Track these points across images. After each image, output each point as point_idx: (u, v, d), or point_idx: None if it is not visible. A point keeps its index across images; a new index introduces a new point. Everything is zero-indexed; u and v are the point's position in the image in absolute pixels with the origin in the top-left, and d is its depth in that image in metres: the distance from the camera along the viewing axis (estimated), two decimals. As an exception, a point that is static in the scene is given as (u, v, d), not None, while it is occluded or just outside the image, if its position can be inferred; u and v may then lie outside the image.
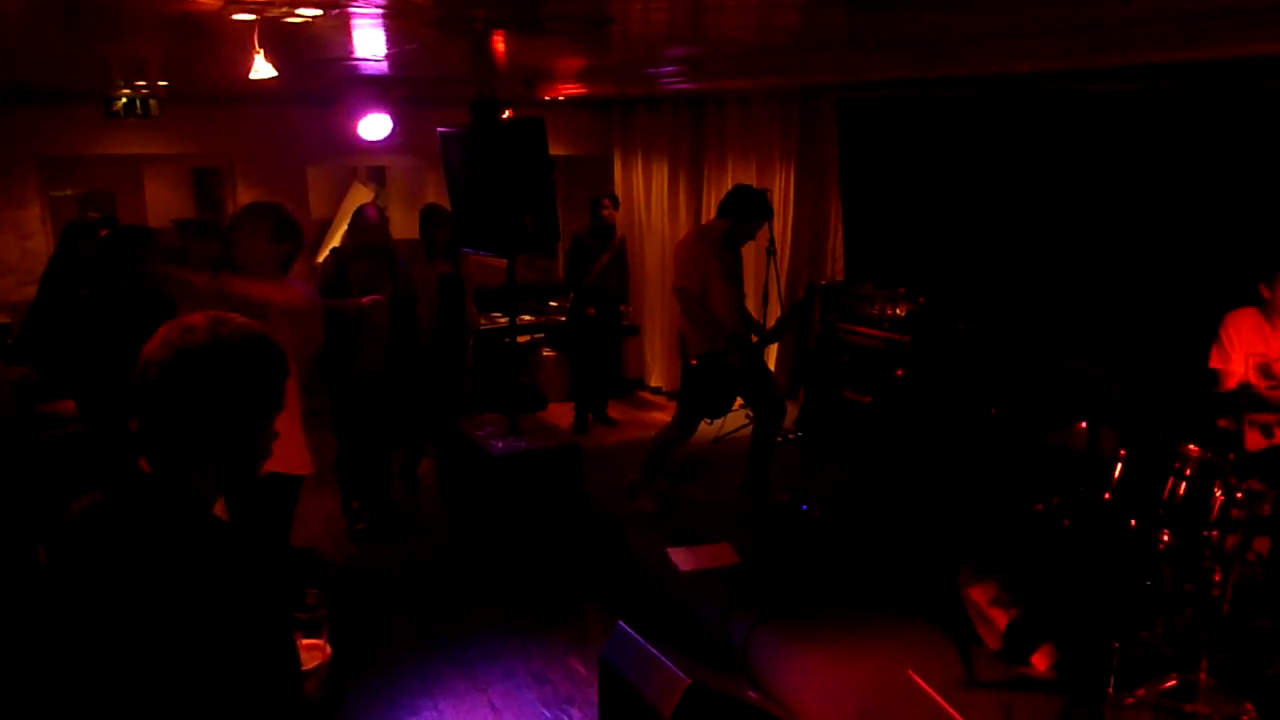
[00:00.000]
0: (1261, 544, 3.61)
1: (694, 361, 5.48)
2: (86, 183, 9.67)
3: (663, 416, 7.36)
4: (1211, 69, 4.44)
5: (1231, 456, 3.48)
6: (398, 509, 6.04)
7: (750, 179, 7.23)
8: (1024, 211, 5.69)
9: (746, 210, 5.44)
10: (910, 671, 3.78)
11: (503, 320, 7.71)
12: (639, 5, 3.82)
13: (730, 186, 5.87)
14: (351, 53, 4.88)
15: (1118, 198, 5.22)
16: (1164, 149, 4.99)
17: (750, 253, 6.23)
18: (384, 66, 5.61)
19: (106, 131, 7.37)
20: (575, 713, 4.00)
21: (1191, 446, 3.61)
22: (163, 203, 10.79)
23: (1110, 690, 3.44)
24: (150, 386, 1.58)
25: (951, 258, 6.17)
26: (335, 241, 8.06)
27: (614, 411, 7.98)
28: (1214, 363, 4.41)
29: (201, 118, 7.65)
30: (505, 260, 5.35)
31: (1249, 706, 3.34)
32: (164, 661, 1.51)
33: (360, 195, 10.39)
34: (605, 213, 7.34)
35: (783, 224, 7.27)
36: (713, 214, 5.79)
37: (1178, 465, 3.63)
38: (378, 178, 11.29)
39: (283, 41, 4.05)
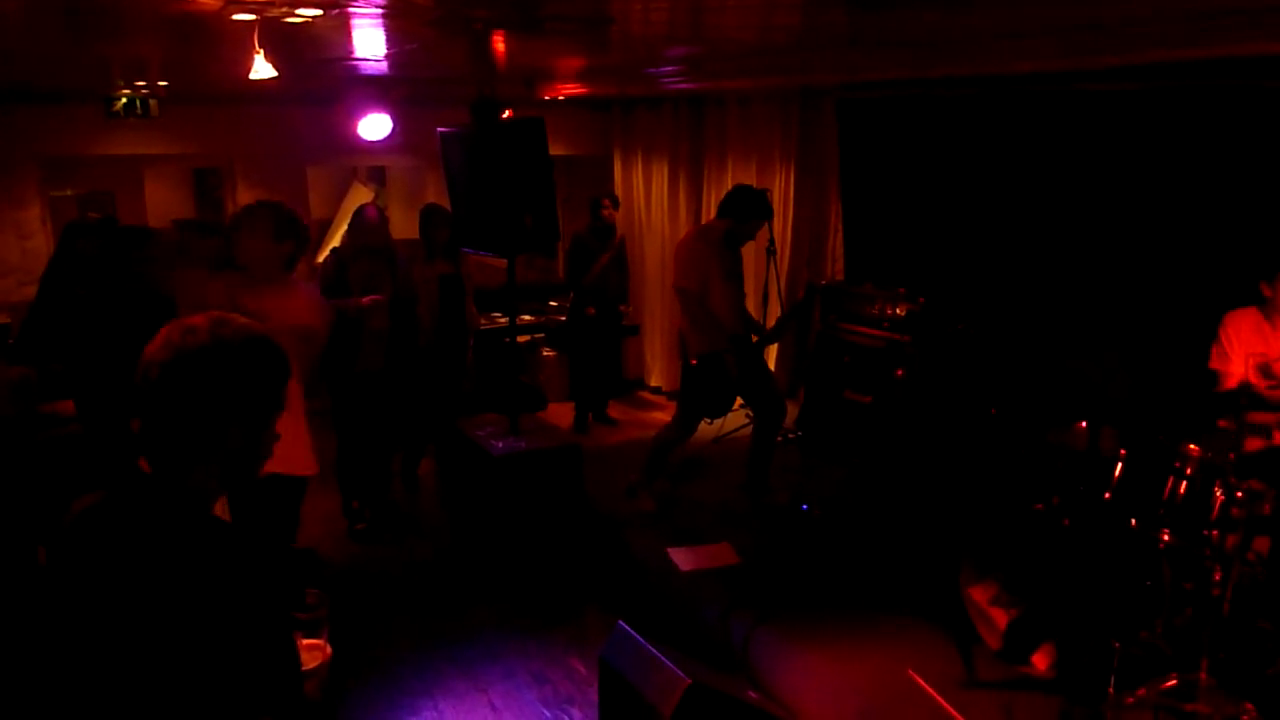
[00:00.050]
0: (1262, 543, 3.61)
1: (694, 361, 5.48)
2: (87, 183, 9.66)
3: (663, 416, 7.36)
4: (1211, 68, 4.44)
5: (1232, 456, 3.48)
6: (398, 509, 6.04)
7: (750, 179, 7.23)
8: (1024, 211, 5.69)
9: (747, 210, 5.43)
10: (911, 671, 3.78)
11: (503, 320, 7.71)
12: (639, 5, 3.82)
13: (730, 186, 5.87)
14: (351, 53, 4.87)
15: (1118, 197, 5.22)
16: (1164, 149, 4.99)
17: (750, 253, 6.22)
18: (384, 66, 5.61)
19: (107, 131, 7.37)
20: (575, 713, 4.00)
21: (1192, 446, 3.61)
22: (163, 203, 10.77)
23: (1110, 690, 3.44)
24: (152, 387, 1.59)
25: (952, 258, 6.17)
26: (335, 241, 8.07)
27: (614, 411, 7.98)
28: (1214, 363, 4.41)
29: (202, 118, 7.65)
30: (505, 260, 5.35)
31: (1249, 706, 3.34)
32: (165, 661, 1.51)
33: (360, 195, 10.39)
34: (605, 213, 7.34)
35: (783, 224, 7.27)
36: (713, 214, 5.79)
37: (1178, 465, 3.63)
38: (378, 178, 11.29)
39: (283, 42, 4.05)
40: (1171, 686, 3.42)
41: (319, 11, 3.46)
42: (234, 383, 1.62)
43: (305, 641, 1.92)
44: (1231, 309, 4.41)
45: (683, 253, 5.55)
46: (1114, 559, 3.74)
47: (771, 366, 7.11)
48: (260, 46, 3.80)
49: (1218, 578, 3.39)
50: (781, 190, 7.31)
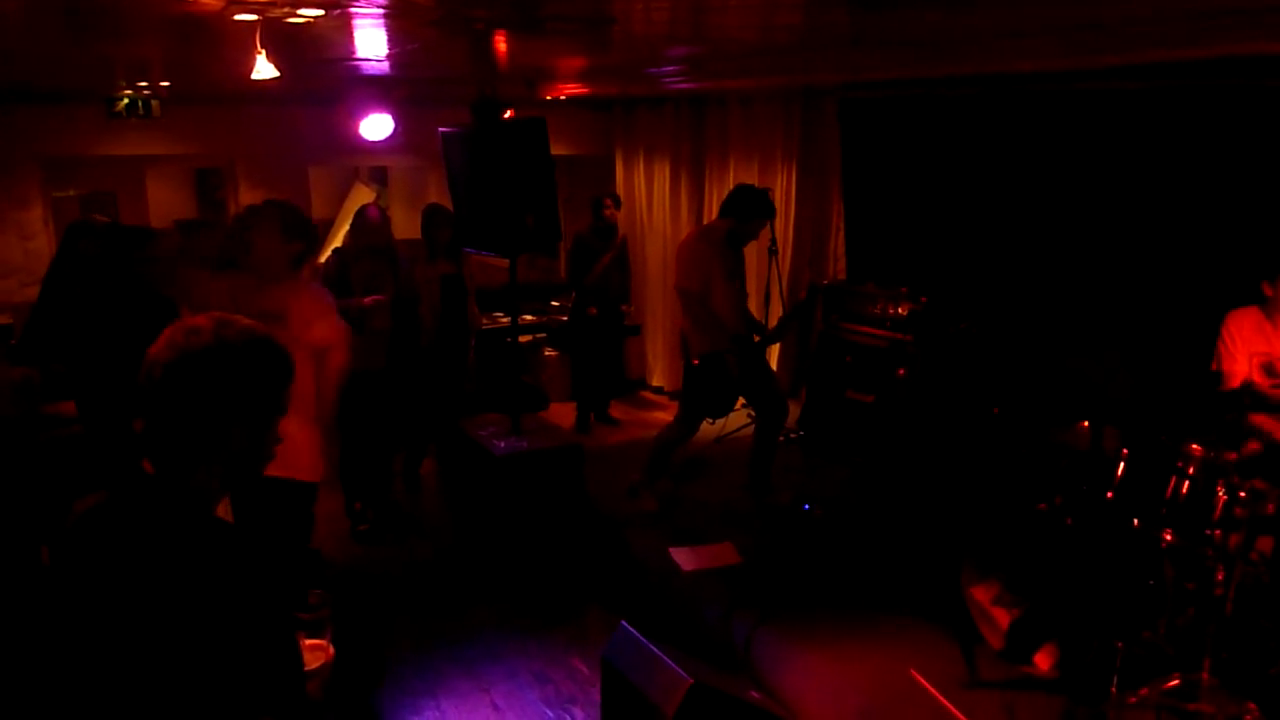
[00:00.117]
0: (1265, 543, 3.60)
1: (696, 361, 5.48)
2: (89, 183, 9.67)
3: (665, 416, 7.36)
4: (1212, 68, 4.44)
5: (1234, 456, 3.48)
6: (400, 509, 6.05)
7: (752, 179, 7.23)
8: (1026, 211, 5.69)
9: (748, 210, 5.43)
10: (913, 671, 3.78)
11: (505, 320, 7.71)
12: (640, 5, 3.82)
13: (732, 186, 5.87)
14: (353, 53, 4.88)
15: (1119, 197, 5.22)
16: (1165, 148, 4.99)
17: (752, 252, 6.22)
18: (385, 67, 5.61)
19: (108, 132, 7.38)
20: (578, 712, 4.00)
21: (1194, 445, 3.60)
22: (165, 203, 10.78)
23: (1113, 690, 3.43)
24: (155, 387, 1.59)
25: (954, 257, 6.17)
26: (337, 241, 8.06)
27: (616, 411, 7.97)
28: (1217, 363, 4.40)
29: (203, 118, 7.66)
30: (507, 260, 5.35)
31: (1252, 706, 3.33)
32: (168, 661, 1.51)
33: (362, 195, 10.39)
34: (607, 212, 7.34)
35: (785, 224, 7.27)
36: (714, 214, 5.79)
37: (1180, 464, 3.62)
38: (379, 178, 11.30)
39: (285, 42, 4.05)
40: (1174, 686, 3.41)
41: (320, 12, 3.46)
42: (237, 383, 1.62)
43: (308, 642, 1.93)
44: (1233, 309, 4.41)
45: (684, 253, 5.55)
46: (1117, 559, 3.74)
47: (773, 366, 7.11)
48: (262, 47, 3.81)
49: (1220, 577, 3.38)
50: (783, 190, 7.30)
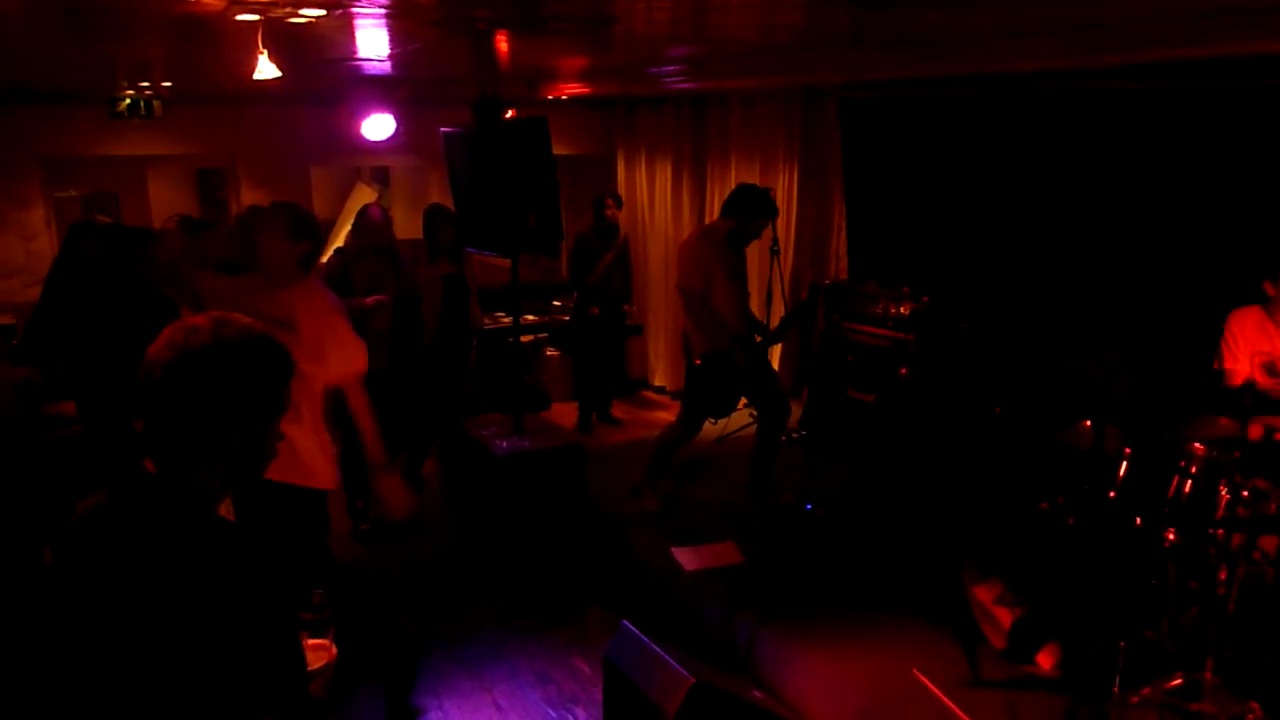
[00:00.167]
0: (1267, 542, 3.61)
1: (698, 361, 5.48)
2: (90, 183, 9.68)
3: (666, 416, 7.36)
4: (1213, 67, 4.44)
5: (1237, 454, 3.48)
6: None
7: (754, 178, 7.24)
8: (1027, 210, 5.69)
9: (750, 209, 5.43)
10: (915, 670, 3.78)
11: (506, 320, 7.71)
12: (642, 5, 3.82)
13: (733, 186, 5.88)
14: (355, 53, 4.88)
15: (1121, 196, 5.22)
16: (1167, 147, 4.98)
17: (754, 252, 6.22)
18: (387, 67, 5.61)
19: (110, 132, 7.38)
20: (580, 712, 4.01)
21: (1197, 444, 3.60)
22: (166, 203, 10.78)
23: (1115, 689, 3.43)
24: (155, 386, 1.59)
25: (955, 256, 6.17)
26: (339, 242, 8.06)
27: (618, 411, 7.97)
28: (1219, 362, 4.40)
29: (205, 118, 7.66)
30: (509, 260, 5.35)
31: (1255, 705, 3.33)
32: (170, 661, 1.51)
33: (364, 195, 10.39)
34: (609, 212, 7.34)
35: (786, 223, 7.27)
36: (716, 214, 5.79)
37: (1183, 463, 3.62)
38: (381, 178, 11.30)
39: (286, 42, 4.06)
40: (1177, 686, 3.41)
41: (322, 12, 3.46)
42: (236, 382, 1.62)
43: (311, 641, 1.93)
44: (1235, 308, 4.40)
45: (686, 253, 5.55)
46: (1119, 558, 3.73)
47: (775, 366, 7.11)
48: (264, 47, 3.81)
49: (1223, 576, 3.38)
50: (785, 190, 7.30)
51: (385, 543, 5.66)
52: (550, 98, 7.74)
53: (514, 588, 5.00)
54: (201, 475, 1.63)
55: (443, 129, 5.43)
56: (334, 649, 1.97)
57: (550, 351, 8.47)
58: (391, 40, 4.48)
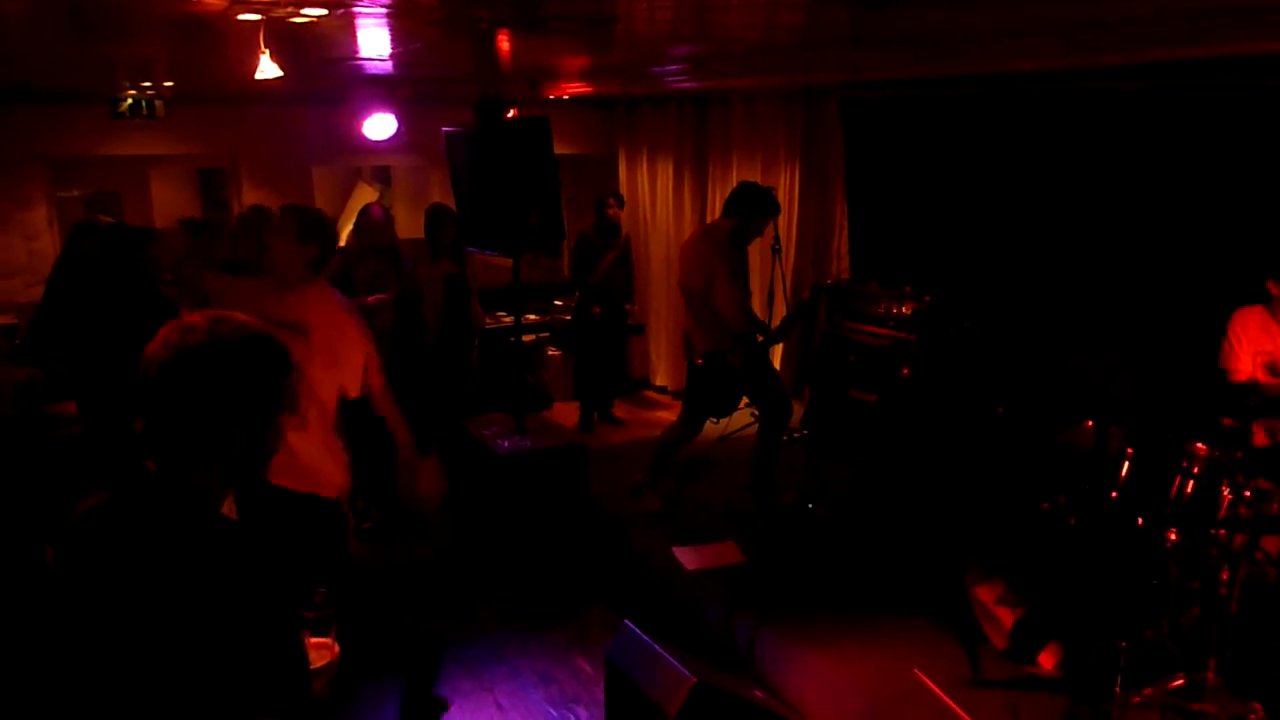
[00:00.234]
0: (1269, 542, 3.60)
1: (699, 361, 5.48)
2: (93, 183, 9.68)
3: (668, 416, 7.36)
4: (1213, 67, 4.43)
5: (1239, 455, 3.47)
6: (402, 508, 6.04)
7: (755, 178, 7.22)
8: (1029, 210, 5.69)
9: (752, 207, 5.43)
10: (916, 670, 3.78)
11: (508, 319, 7.70)
12: (643, 4, 3.82)
13: (735, 185, 5.87)
14: (356, 52, 4.88)
15: (1122, 196, 5.21)
16: (1168, 147, 4.98)
17: (756, 252, 6.22)
18: (389, 66, 5.61)
19: (112, 132, 7.39)
20: (581, 711, 4.01)
21: (1199, 445, 3.59)
22: (169, 203, 10.79)
23: (1117, 689, 3.43)
24: (152, 385, 1.59)
25: (957, 256, 6.16)
26: (341, 241, 8.07)
27: (619, 411, 7.97)
28: (1222, 361, 4.40)
29: (207, 118, 7.67)
30: (510, 259, 5.35)
31: (1256, 706, 3.33)
32: (172, 660, 1.51)
33: (365, 195, 10.40)
34: (610, 211, 7.34)
35: (788, 223, 7.27)
36: (718, 213, 5.79)
37: (1185, 464, 3.62)
38: (383, 177, 11.30)
39: (288, 41, 4.06)
40: (1178, 686, 3.41)
41: (324, 11, 3.46)
42: (233, 380, 1.62)
43: (313, 640, 1.93)
44: (1239, 307, 4.40)
45: (688, 252, 5.54)
46: (1121, 558, 3.73)
47: (777, 366, 7.11)
48: (266, 46, 3.81)
49: (1225, 577, 3.38)
50: (786, 189, 7.30)
51: (386, 542, 5.66)
52: (552, 97, 7.74)
53: (515, 587, 5.00)
54: (202, 475, 1.63)
55: (444, 128, 5.43)
56: (337, 647, 1.97)
57: (552, 351, 8.47)
58: (393, 40, 4.48)
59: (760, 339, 5.61)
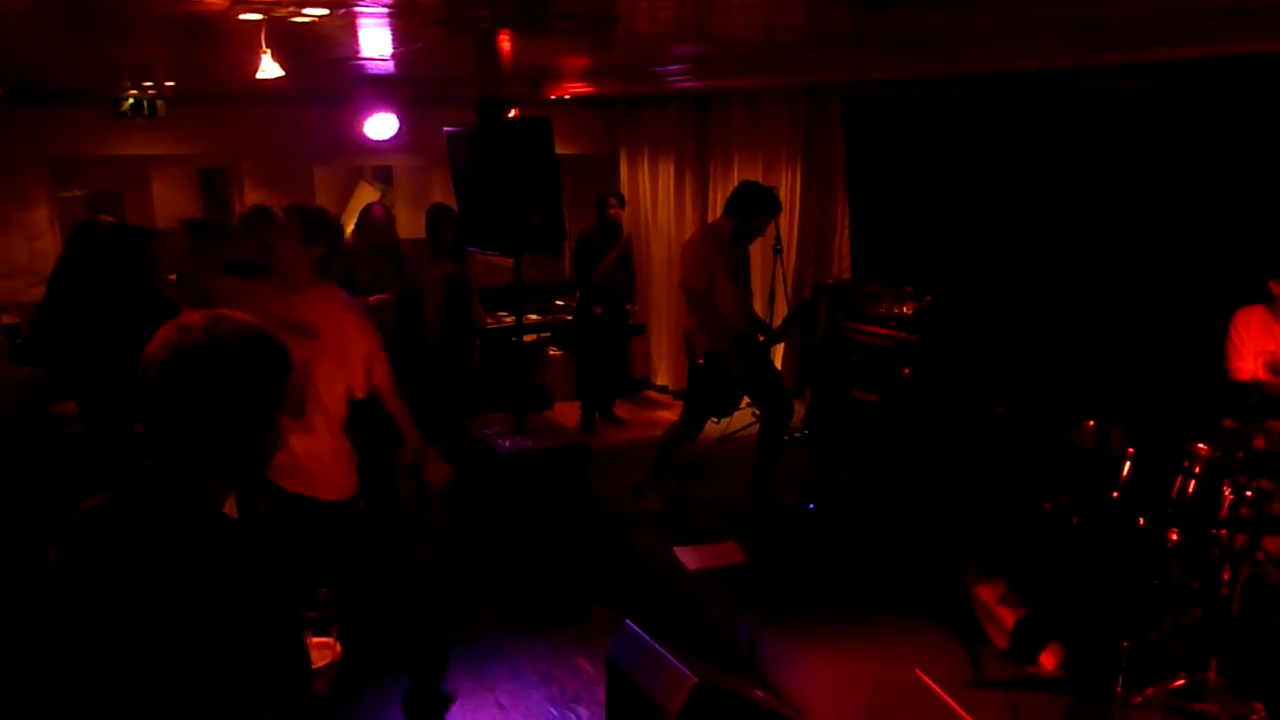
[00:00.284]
0: (1271, 542, 3.60)
1: (701, 360, 5.48)
2: (94, 183, 9.68)
3: (669, 415, 7.36)
4: (1215, 67, 4.43)
5: (1241, 455, 3.47)
6: (403, 508, 6.04)
7: (757, 177, 7.21)
8: (1030, 209, 5.68)
9: (753, 206, 5.42)
10: (918, 670, 3.77)
11: (509, 319, 7.71)
12: (645, 4, 3.82)
13: (736, 185, 5.87)
14: (358, 52, 4.88)
15: (1124, 195, 5.21)
16: (1169, 147, 4.98)
17: (757, 252, 6.22)
18: (390, 66, 5.61)
19: (113, 132, 7.39)
20: (582, 711, 4.01)
21: (1200, 445, 3.59)
22: (170, 203, 10.79)
23: (1118, 689, 3.43)
24: (152, 385, 1.59)
25: (958, 256, 6.16)
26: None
27: (620, 410, 7.97)
28: (1225, 361, 4.40)
29: (208, 118, 7.67)
30: (511, 259, 5.35)
31: (1258, 706, 3.33)
32: (174, 659, 1.51)
33: (367, 195, 10.40)
34: (611, 211, 7.34)
35: (789, 223, 7.27)
36: (719, 213, 5.78)
37: (1186, 464, 3.61)
38: (384, 177, 11.31)
39: (289, 41, 4.06)
40: (1180, 686, 3.41)
41: (325, 11, 3.46)
42: (232, 379, 1.62)
43: (315, 640, 1.93)
44: (1241, 307, 4.40)
45: (689, 251, 5.54)
46: (1122, 558, 3.73)
47: (778, 366, 7.10)
48: (267, 46, 3.81)
49: (1226, 577, 3.38)
50: (788, 189, 7.29)
51: (386, 542, 5.66)
52: (553, 97, 7.74)
53: (516, 587, 5.00)
54: (203, 474, 1.63)
55: (446, 128, 5.43)
56: (338, 647, 1.97)
57: (553, 351, 8.47)
58: (394, 39, 4.48)
59: (761, 339, 5.60)
